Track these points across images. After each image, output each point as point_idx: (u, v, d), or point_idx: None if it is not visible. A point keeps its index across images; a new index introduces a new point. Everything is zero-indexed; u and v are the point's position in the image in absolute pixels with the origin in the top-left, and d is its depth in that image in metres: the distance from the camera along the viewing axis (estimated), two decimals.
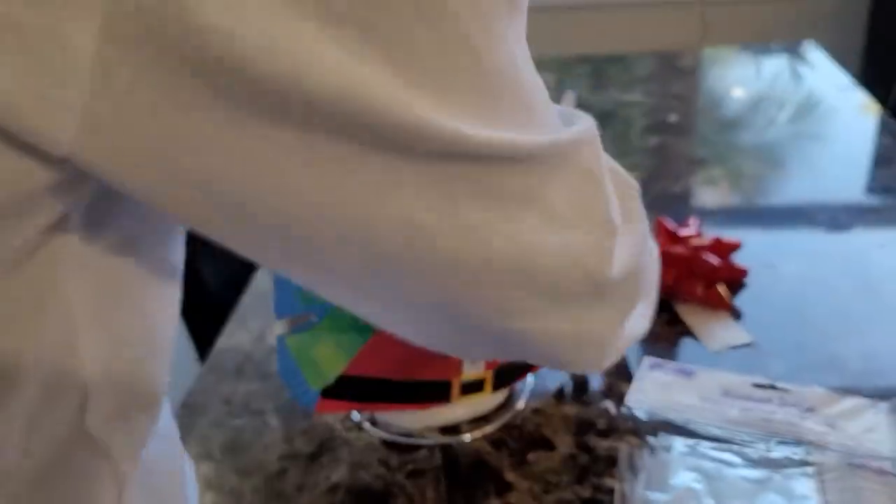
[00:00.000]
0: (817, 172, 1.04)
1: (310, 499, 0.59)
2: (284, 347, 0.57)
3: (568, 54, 1.65)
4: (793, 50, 1.54)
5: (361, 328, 0.57)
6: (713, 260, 0.75)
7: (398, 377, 0.58)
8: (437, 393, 0.59)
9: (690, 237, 0.78)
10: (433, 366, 0.58)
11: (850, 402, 0.63)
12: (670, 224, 0.81)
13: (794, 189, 1.00)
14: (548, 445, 0.61)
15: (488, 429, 0.63)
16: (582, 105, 1.36)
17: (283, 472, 0.61)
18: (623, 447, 0.60)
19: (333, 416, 0.67)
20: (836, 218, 0.91)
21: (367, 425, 0.64)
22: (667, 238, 0.79)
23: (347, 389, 0.58)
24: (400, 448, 0.62)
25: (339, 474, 0.61)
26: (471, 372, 0.58)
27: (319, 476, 0.61)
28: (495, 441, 0.62)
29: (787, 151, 1.10)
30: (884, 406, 0.62)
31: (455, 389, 0.59)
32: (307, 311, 0.57)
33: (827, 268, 0.81)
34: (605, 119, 1.29)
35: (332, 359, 0.58)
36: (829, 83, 1.33)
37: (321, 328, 0.57)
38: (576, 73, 1.53)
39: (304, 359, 0.58)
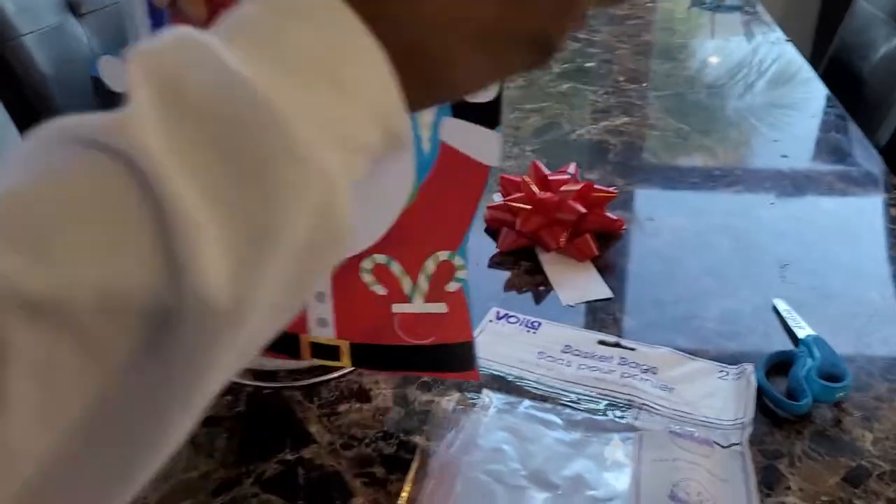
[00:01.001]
0: (732, 133, 0.99)
1: None
2: None
3: None
4: (747, 8, 1.48)
5: None
6: (580, 208, 0.70)
7: None
8: (287, 345, 0.53)
9: (561, 182, 0.73)
10: None
11: (695, 365, 0.58)
12: (543, 168, 0.75)
13: (700, 147, 0.95)
14: (364, 397, 0.56)
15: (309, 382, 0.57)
16: None
17: None
18: (442, 402, 0.55)
19: None
20: (732, 174, 0.86)
21: None
22: (537, 182, 0.73)
23: None
24: None
25: None
26: (320, 335, 0.52)
27: None
28: (309, 389, 0.57)
29: (715, 111, 1.05)
30: (732, 371, 0.57)
31: (304, 347, 0.53)
32: None
33: (709, 224, 0.76)
34: None
35: None
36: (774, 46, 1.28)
37: None
38: None
39: None
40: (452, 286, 0.50)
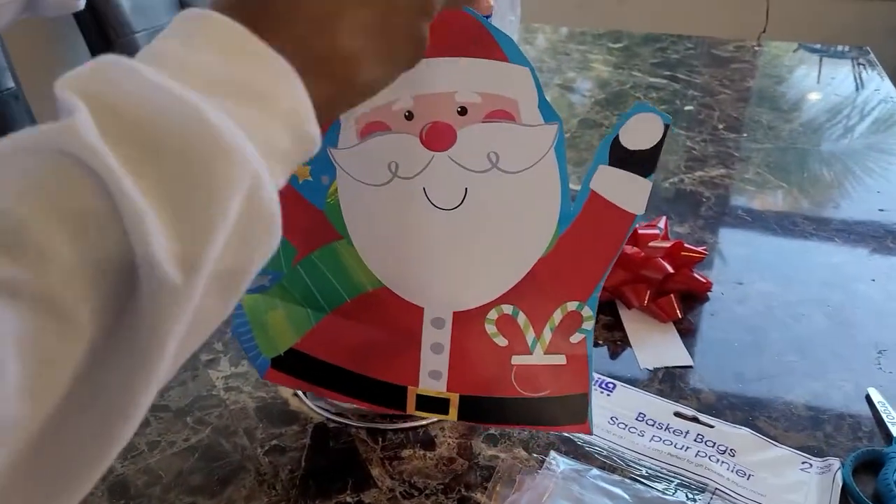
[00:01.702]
0: (837, 189, 0.95)
1: (159, 458, 0.54)
2: (239, 304, 0.53)
3: (608, 29, 1.55)
4: (858, 55, 1.42)
5: (315, 304, 0.52)
6: (667, 267, 0.68)
7: (351, 368, 0.53)
8: (391, 397, 0.53)
9: (649, 238, 0.70)
10: (387, 365, 0.52)
11: (777, 452, 0.55)
12: None
13: (798, 209, 0.91)
14: (429, 445, 0.55)
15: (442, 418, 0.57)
16: (599, 83, 1.27)
17: (145, 424, 0.57)
18: (507, 459, 0.54)
19: (216, 373, 0.62)
20: (832, 240, 0.82)
21: (299, 393, 0.59)
22: None
23: (298, 365, 0.54)
24: (273, 419, 0.57)
25: (198, 437, 0.56)
26: (430, 387, 0.52)
27: (179, 436, 0.56)
28: (373, 429, 0.56)
29: (814, 162, 1.00)
30: (817, 464, 0.54)
31: (410, 399, 0.53)
32: (262, 273, 0.52)
33: (802, 295, 0.73)
34: (617, 98, 1.20)
35: (283, 329, 0.53)
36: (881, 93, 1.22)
37: (273, 294, 0.53)
38: (604, 49, 1.43)
39: (256, 321, 0.54)
40: (576, 337, 0.50)
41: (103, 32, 1.11)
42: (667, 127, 0.44)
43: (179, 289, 0.25)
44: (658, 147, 0.45)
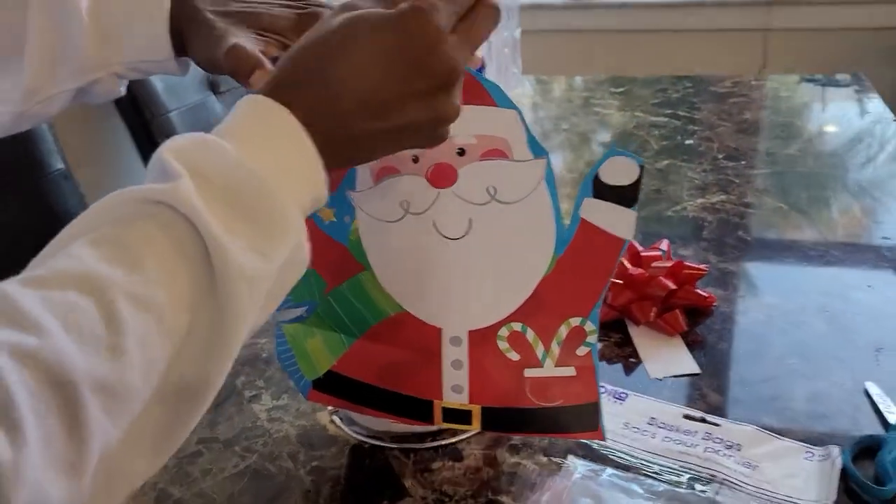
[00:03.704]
0: (830, 212, 0.99)
1: (212, 483, 0.59)
2: (282, 334, 0.60)
3: (610, 75, 1.63)
4: (853, 82, 1.48)
5: (346, 330, 0.58)
6: (670, 284, 0.73)
7: (382, 385, 0.59)
8: (419, 411, 0.58)
9: (652, 259, 0.76)
10: (413, 382, 0.58)
11: (781, 444, 0.59)
12: (636, 244, 0.79)
13: (792, 223, 0.96)
14: (456, 457, 0.60)
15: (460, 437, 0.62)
16: (605, 125, 1.34)
17: (198, 454, 0.62)
18: (528, 465, 0.58)
19: (259, 406, 0.67)
20: (829, 254, 0.86)
21: (336, 420, 0.65)
22: (629, 258, 0.77)
23: (337, 385, 0.60)
24: (313, 444, 0.63)
25: (246, 463, 0.61)
26: (453, 400, 0.58)
27: (228, 463, 0.61)
28: (405, 448, 0.61)
29: (815, 190, 1.05)
30: (818, 452, 0.58)
31: (437, 412, 0.58)
32: (297, 306, 0.59)
33: (801, 304, 0.77)
34: (624, 138, 1.26)
35: (321, 353, 0.59)
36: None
37: (310, 322, 0.59)
38: (606, 93, 1.50)
39: (298, 348, 0.60)
40: (582, 350, 0.55)
41: (140, 113, 1.21)
42: (641, 167, 0.50)
43: (259, 277, 0.36)
44: (636, 183, 0.50)
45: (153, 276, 0.32)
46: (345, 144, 0.41)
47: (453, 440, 0.61)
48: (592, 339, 0.55)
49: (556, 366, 0.56)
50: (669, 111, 1.36)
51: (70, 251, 0.32)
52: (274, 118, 0.39)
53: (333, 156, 0.40)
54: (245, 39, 0.52)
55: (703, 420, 0.62)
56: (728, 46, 2.27)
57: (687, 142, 1.22)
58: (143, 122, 1.23)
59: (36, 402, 0.27)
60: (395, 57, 0.40)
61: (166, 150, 0.35)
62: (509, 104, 0.50)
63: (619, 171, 0.50)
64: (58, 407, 0.27)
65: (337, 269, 0.56)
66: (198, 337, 0.33)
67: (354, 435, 0.63)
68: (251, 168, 0.36)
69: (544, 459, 0.59)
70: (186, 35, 0.55)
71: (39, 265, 0.32)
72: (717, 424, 0.61)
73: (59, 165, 1.01)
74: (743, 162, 1.13)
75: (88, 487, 0.29)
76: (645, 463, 0.58)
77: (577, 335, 0.55)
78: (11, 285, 0.30)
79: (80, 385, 0.28)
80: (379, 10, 0.40)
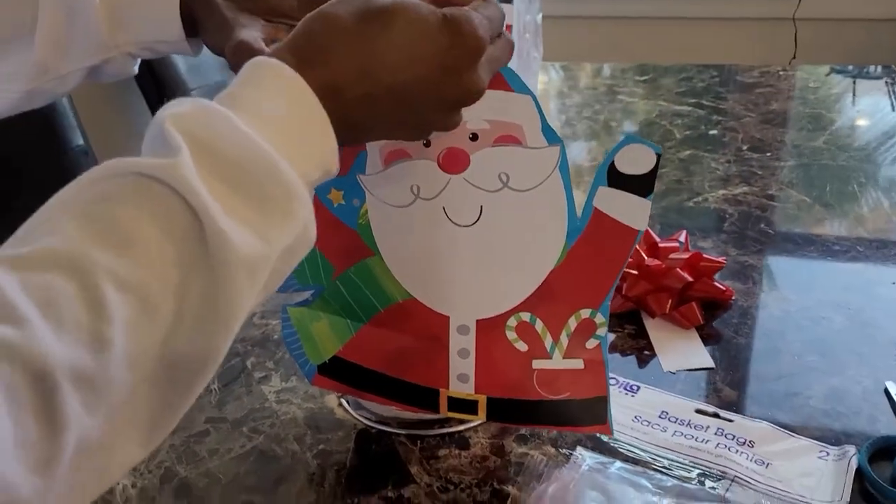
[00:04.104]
0: (855, 207, 0.97)
1: (218, 463, 0.59)
2: (287, 317, 0.60)
3: (636, 63, 1.60)
4: (886, 74, 1.44)
5: (353, 315, 0.58)
6: (686, 276, 0.71)
7: (388, 373, 0.58)
8: (425, 399, 0.58)
9: (670, 250, 0.74)
10: (419, 370, 0.57)
11: (795, 442, 0.58)
12: (653, 235, 0.77)
13: (816, 217, 0.94)
14: (463, 445, 0.60)
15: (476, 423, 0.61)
16: (629, 114, 1.32)
17: (205, 434, 0.62)
18: (536, 456, 0.58)
19: (268, 388, 0.67)
20: (854, 249, 0.84)
21: (344, 403, 0.64)
22: (646, 248, 0.76)
23: (342, 371, 0.59)
24: (320, 427, 0.62)
25: (252, 444, 0.61)
26: (459, 389, 0.57)
27: (235, 443, 0.61)
28: (412, 435, 0.61)
29: (840, 184, 1.03)
30: (833, 451, 0.57)
31: (443, 401, 0.57)
32: (304, 289, 0.59)
33: (821, 299, 0.75)
34: (648, 127, 1.24)
35: (327, 338, 0.59)
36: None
37: (316, 306, 0.59)
38: (630, 81, 1.48)
39: (303, 332, 0.59)
40: (592, 343, 0.54)
41: (161, 91, 1.21)
42: (658, 156, 0.49)
43: (259, 263, 0.34)
44: (652, 172, 0.49)
45: (142, 259, 0.31)
46: (353, 124, 0.40)
47: (460, 428, 0.61)
48: (602, 331, 0.54)
49: (564, 358, 0.55)
50: (694, 100, 1.34)
51: (55, 226, 0.30)
52: (284, 82, 0.37)
53: (341, 129, 0.38)
54: (251, 29, 0.51)
55: (715, 415, 0.61)
56: (757, 36, 2.22)
57: (711, 132, 1.20)
58: (164, 100, 1.23)
59: (9, 396, 0.26)
60: (438, 56, 0.39)
61: (167, 118, 0.33)
62: (524, 89, 0.48)
63: (636, 160, 0.48)
64: (32, 401, 0.27)
65: (345, 253, 0.56)
66: (190, 322, 0.32)
67: (362, 419, 0.63)
68: (258, 143, 0.34)
69: (552, 450, 0.58)
70: (198, 18, 0.54)
71: (22, 240, 0.30)
72: (730, 420, 0.60)
73: (79, 142, 1.01)
74: (768, 153, 1.11)
75: (66, 479, 0.28)
76: (655, 457, 0.57)
77: (587, 327, 0.54)
78: None
79: (58, 376, 0.27)
80: (430, 6, 0.40)
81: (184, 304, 0.32)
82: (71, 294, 0.28)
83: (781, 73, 1.48)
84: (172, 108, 0.34)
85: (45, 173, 0.97)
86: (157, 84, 1.20)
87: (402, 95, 0.40)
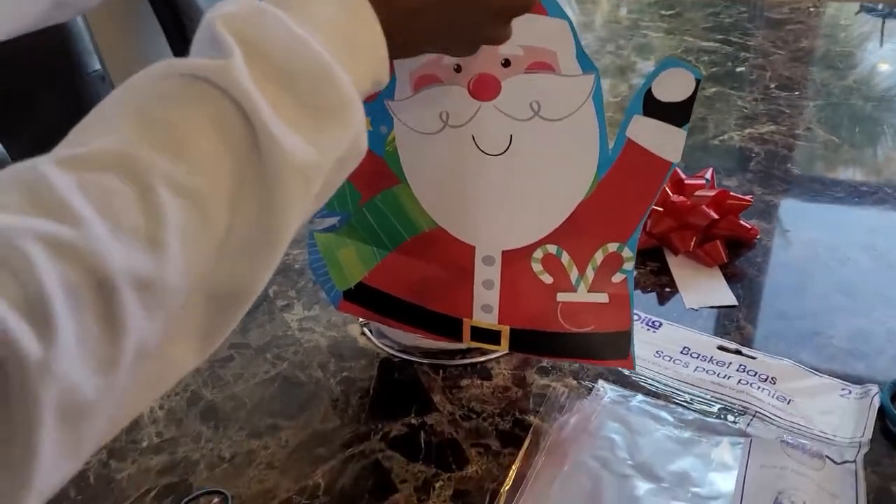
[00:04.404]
0: (887, 148, 0.95)
1: (243, 387, 0.60)
2: (314, 243, 0.60)
3: None
4: None
5: (379, 243, 0.58)
6: (711, 213, 0.70)
7: (413, 300, 0.58)
8: (448, 328, 0.58)
9: (696, 187, 0.73)
10: (444, 299, 0.57)
11: (817, 380, 0.58)
12: (679, 172, 0.76)
13: (849, 161, 0.92)
14: (485, 375, 0.60)
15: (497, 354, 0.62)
16: (651, 49, 1.29)
17: (230, 359, 0.63)
18: (558, 387, 0.58)
19: (290, 316, 0.68)
20: (881, 190, 0.83)
21: (367, 332, 0.65)
22: (671, 185, 0.74)
23: (367, 297, 0.59)
24: (343, 355, 0.63)
25: (276, 370, 0.62)
26: (482, 319, 0.57)
27: (259, 369, 0.62)
28: (434, 364, 0.61)
29: (871, 124, 1.01)
30: (856, 390, 0.57)
31: (466, 330, 0.58)
32: (331, 215, 0.58)
33: (848, 240, 0.75)
34: None
35: (353, 264, 0.59)
36: None
37: (342, 233, 0.58)
38: (655, 16, 1.44)
39: (329, 258, 0.59)
40: (618, 277, 0.54)
41: (177, 17, 1.19)
42: (697, 81, 0.47)
43: (311, 171, 0.33)
44: (690, 100, 0.47)
45: (198, 164, 0.30)
46: (404, 32, 0.38)
47: (482, 359, 0.61)
48: (629, 266, 0.54)
49: (589, 291, 0.55)
50: (721, 36, 1.30)
51: (111, 125, 0.29)
52: None
53: (390, 40, 0.37)
54: None
55: (738, 352, 0.61)
56: None
57: (738, 69, 1.17)
58: (180, 26, 1.21)
59: (70, 296, 0.26)
60: None
61: (218, 19, 0.32)
62: (560, 13, 0.47)
63: (674, 86, 0.47)
64: (93, 301, 0.26)
65: (371, 180, 0.55)
66: (243, 231, 0.31)
67: (384, 348, 0.63)
68: (312, 47, 0.33)
69: (573, 382, 0.59)
70: None
71: (77, 139, 0.30)
72: (752, 357, 0.60)
73: (97, 66, 1.00)
74: (796, 92, 1.08)
75: (125, 383, 0.28)
76: (676, 391, 0.58)
77: (614, 261, 0.54)
78: (48, 165, 0.28)
79: (118, 279, 0.27)
80: None
81: (237, 213, 0.31)
82: (127, 196, 0.28)
83: (812, 9, 1.43)
84: (223, 8, 0.33)
85: (63, 97, 0.96)
86: (172, 11, 1.18)
87: (452, 2, 0.39)
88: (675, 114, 0.48)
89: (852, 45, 1.30)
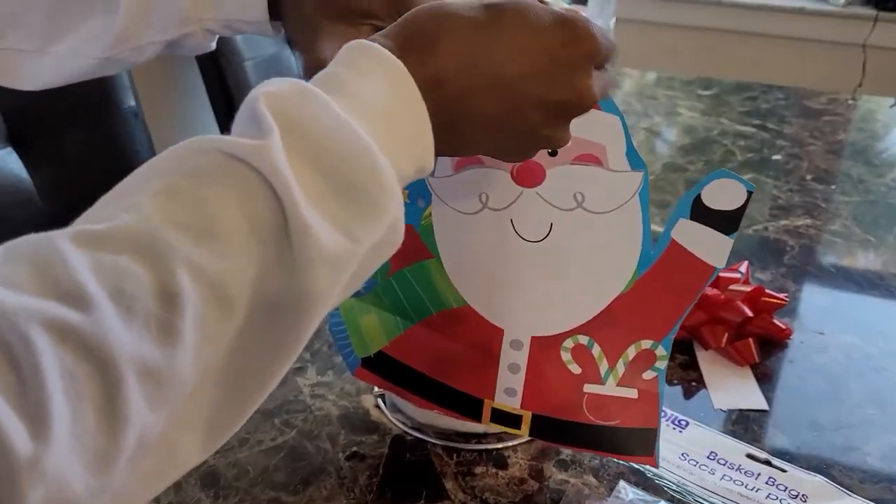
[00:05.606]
0: None
1: (248, 454, 0.58)
2: (336, 308, 0.58)
3: (697, 76, 1.56)
4: None
5: (404, 314, 0.56)
6: (746, 310, 0.68)
7: (433, 376, 0.56)
8: (468, 407, 0.56)
9: (730, 281, 0.71)
10: (466, 377, 0.55)
11: (851, 503, 0.55)
12: None
13: (882, 258, 0.90)
14: (501, 464, 0.57)
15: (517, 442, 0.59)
16: (687, 129, 1.28)
17: None
18: (576, 484, 0.55)
19: (303, 380, 0.65)
20: None
21: (380, 404, 0.62)
22: None
23: (386, 367, 0.57)
24: (354, 427, 0.60)
25: (284, 437, 0.59)
26: (504, 402, 0.55)
27: (266, 435, 0.59)
28: (449, 447, 0.59)
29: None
30: None
31: (486, 411, 0.55)
32: None
33: (884, 349, 0.72)
34: (706, 146, 1.20)
35: (375, 333, 0.57)
36: None
37: (367, 300, 0.57)
38: (693, 95, 1.44)
39: (351, 323, 0.58)
40: (649, 374, 0.52)
41: (216, 60, 1.19)
42: (749, 194, 0.46)
43: (342, 261, 0.31)
44: (741, 210, 0.46)
45: (222, 246, 0.28)
46: (453, 123, 0.37)
47: (499, 446, 0.59)
48: (661, 364, 0.51)
49: (618, 385, 0.53)
50: (758, 122, 1.29)
51: (135, 201, 0.28)
52: (384, 68, 0.34)
53: (439, 130, 0.36)
54: (333, 42, 0.48)
55: (767, 462, 0.58)
56: (824, 59, 2.16)
57: (774, 157, 1.16)
58: (218, 68, 1.21)
59: (70, 386, 0.24)
60: (550, 50, 0.37)
61: (262, 96, 0.31)
62: (613, 110, 0.46)
63: (725, 195, 0.46)
64: (94, 391, 0.25)
65: (404, 252, 0.53)
66: (265, 319, 0.30)
67: (398, 424, 0.61)
68: (357, 130, 0.32)
69: (593, 480, 0.56)
70: (282, 7, 0.52)
71: (99, 213, 0.28)
72: (783, 470, 0.57)
73: (131, 102, 1.00)
74: (833, 186, 1.06)
75: (123, 478, 0.26)
76: (701, 500, 0.55)
77: (646, 358, 0.52)
78: (65, 240, 0.26)
79: (123, 369, 0.25)
80: (543, 5, 0.37)
81: (259, 303, 0.29)
82: (144, 280, 0.26)
83: (850, 102, 1.43)
84: (268, 87, 0.32)
85: (96, 132, 0.96)
86: (211, 53, 1.19)
87: (507, 92, 0.37)
88: (723, 221, 0.46)
89: (889, 140, 1.28)
